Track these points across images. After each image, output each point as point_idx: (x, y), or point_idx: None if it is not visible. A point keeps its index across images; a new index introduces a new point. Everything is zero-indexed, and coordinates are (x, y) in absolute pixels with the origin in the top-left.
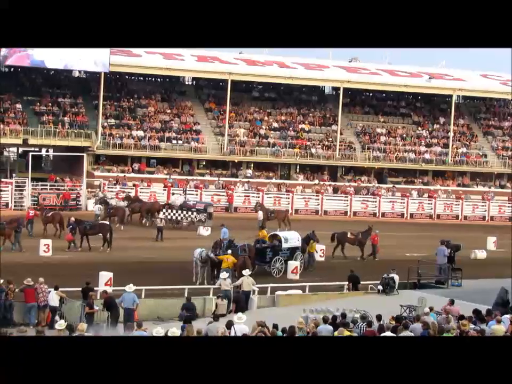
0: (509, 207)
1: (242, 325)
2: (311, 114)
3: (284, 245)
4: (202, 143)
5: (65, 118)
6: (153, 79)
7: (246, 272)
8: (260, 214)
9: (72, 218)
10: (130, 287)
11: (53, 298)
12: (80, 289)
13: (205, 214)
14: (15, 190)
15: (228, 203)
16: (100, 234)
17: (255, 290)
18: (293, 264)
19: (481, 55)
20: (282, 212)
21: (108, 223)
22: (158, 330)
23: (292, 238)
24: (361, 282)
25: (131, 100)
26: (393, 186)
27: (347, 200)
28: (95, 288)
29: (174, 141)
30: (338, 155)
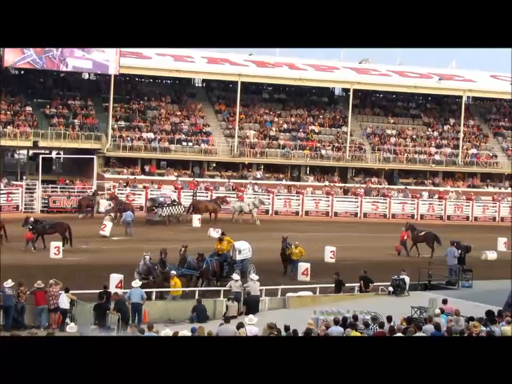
0: None
1: (253, 326)
2: (321, 116)
3: (238, 257)
4: (212, 145)
5: (75, 120)
6: (163, 81)
7: (254, 276)
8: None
9: (31, 218)
10: (136, 283)
11: (64, 301)
12: (91, 291)
13: None
14: (25, 193)
15: None
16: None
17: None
18: (303, 266)
19: (491, 55)
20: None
21: (65, 222)
22: (166, 332)
23: (244, 249)
24: (374, 284)
25: (141, 101)
26: (405, 188)
27: (357, 202)
28: None
29: (184, 143)
30: (348, 156)
